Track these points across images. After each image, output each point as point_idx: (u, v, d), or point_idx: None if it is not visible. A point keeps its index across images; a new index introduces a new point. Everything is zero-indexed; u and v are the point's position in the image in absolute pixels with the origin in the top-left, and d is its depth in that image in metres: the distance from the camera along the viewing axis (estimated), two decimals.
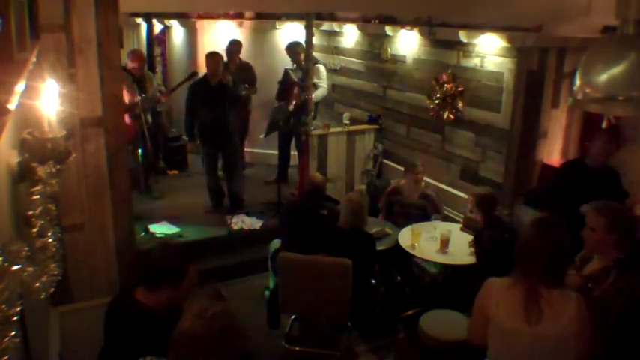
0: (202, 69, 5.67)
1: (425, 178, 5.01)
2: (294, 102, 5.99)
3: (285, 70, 6.20)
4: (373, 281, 4.02)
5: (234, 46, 6.41)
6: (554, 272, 2.12)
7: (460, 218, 4.77)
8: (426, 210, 4.71)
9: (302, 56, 5.92)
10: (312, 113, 5.81)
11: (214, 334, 1.59)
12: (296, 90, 6.00)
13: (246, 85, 6.22)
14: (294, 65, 6.17)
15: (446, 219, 4.92)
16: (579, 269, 2.62)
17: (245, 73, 6.24)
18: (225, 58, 6.24)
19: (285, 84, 6.16)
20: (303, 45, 5.92)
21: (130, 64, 5.76)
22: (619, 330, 2.31)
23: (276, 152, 6.56)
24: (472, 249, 3.83)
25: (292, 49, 6.13)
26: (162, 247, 2.37)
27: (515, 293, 2.13)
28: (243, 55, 6.63)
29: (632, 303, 2.30)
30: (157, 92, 5.96)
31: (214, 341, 1.59)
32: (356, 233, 3.69)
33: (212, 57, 5.41)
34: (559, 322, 2.07)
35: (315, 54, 5.71)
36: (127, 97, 5.13)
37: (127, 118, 5.03)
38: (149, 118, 5.81)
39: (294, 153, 6.50)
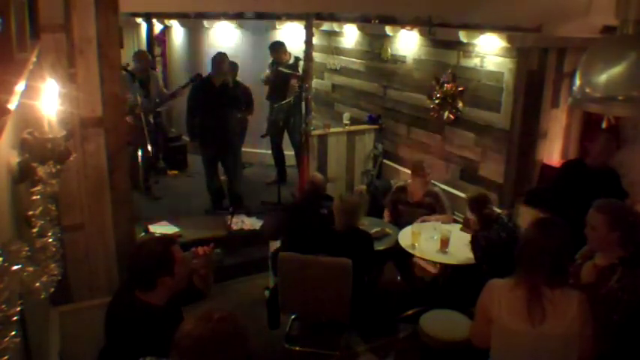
0: (202, 69, 5.68)
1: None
2: (293, 95, 6.09)
3: (278, 68, 6.23)
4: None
5: (230, 67, 6.11)
6: (556, 272, 2.12)
7: (460, 218, 4.76)
8: (433, 208, 4.70)
9: (286, 55, 6.29)
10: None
11: (220, 338, 1.58)
12: (292, 82, 6.12)
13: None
14: (273, 64, 6.34)
15: None
16: (580, 266, 2.63)
17: (242, 97, 5.94)
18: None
19: (276, 81, 6.25)
20: (286, 45, 6.30)
21: (135, 65, 5.78)
22: (624, 329, 2.31)
23: None
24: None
25: (277, 48, 6.31)
26: (139, 247, 2.32)
27: (518, 294, 2.13)
28: (245, 55, 6.63)
29: (637, 302, 2.30)
30: (163, 91, 6.02)
31: (220, 345, 1.58)
32: (352, 232, 3.69)
33: (218, 57, 5.45)
34: (562, 322, 2.07)
35: (315, 54, 5.72)
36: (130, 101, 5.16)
37: (127, 118, 5.03)
38: (150, 119, 5.83)
39: (288, 153, 6.51)
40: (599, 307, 2.22)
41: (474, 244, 3.72)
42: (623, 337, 2.34)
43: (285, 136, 6.56)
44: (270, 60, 6.43)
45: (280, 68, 6.21)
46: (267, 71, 6.46)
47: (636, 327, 2.32)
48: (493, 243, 3.58)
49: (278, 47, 6.30)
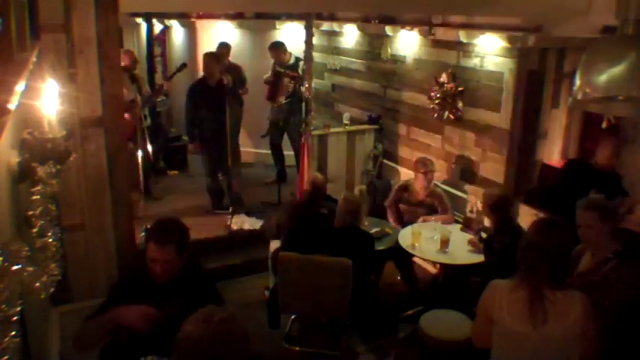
0: (202, 69, 5.68)
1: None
2: (285, 94, 6.11)
3: (274, 67, 6.24)
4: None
5: (222, 49, 6.41)
6: (558, 273, 2.12)
7: (460, 218, 4.76)
8: (434, 209, 4.69)
9: (286, 55, 6.21)
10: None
11: (220, 339, 1.58)
12: (285, 81, 6.12)
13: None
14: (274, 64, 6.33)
15: None
16: (574, 266, 2.64)
17: (234, 75, 6.13)
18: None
19: (274, 81, 6.26)
20: (286, 46, 6.24)
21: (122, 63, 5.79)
22: (619, 322, 2.32)
23: None
24: (477, 251, 3.82)
25: (277, 49, 6.26)
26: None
27: (520, 295, 2.13)
28: (244, 54, 6.63)
29: (633, 295, 2.32)
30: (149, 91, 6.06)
31: (220, 346, 1.58)
32: (353, 232, 3.68)
33: (205, 58, 5.45)
34: (564, 324, 2.07)
35: (315, 54, 5.72)
36: (126, 96, 5.15)
37: (126, 115, 5.04)
38: (147, 119, 5.84)
39: (288, 153, 6.50)
40: (592, 293, 2.22)
41: (487, 248, 3.68)
42: (621, 335, 2.34)
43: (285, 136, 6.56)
44: (272, 61, 6.44)
45: (277, 68, 6.21)
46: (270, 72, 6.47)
47: (632, 321, 2.32)
48: (508, 249, 3.55)
49: (276, 47, 6.28)
